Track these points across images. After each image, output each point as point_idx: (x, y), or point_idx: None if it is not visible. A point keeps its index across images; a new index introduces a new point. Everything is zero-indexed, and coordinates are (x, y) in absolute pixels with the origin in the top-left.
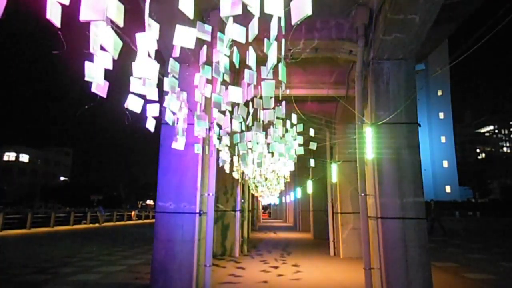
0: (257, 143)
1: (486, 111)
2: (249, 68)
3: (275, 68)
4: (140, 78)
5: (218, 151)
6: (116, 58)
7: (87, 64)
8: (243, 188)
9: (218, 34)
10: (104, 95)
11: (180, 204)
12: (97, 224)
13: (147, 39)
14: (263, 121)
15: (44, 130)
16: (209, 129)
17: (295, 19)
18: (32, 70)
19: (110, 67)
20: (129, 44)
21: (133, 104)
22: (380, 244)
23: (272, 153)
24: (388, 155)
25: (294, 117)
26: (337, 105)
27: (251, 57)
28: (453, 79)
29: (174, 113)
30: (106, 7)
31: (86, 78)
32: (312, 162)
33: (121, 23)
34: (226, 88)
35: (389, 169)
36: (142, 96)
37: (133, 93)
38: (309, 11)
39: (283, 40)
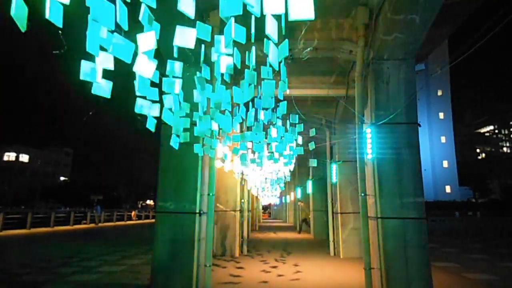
0: (257, 143)
1: (486, 111)
2: (249, 68)
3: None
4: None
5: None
6: (129, 61)
7: (83, 63)
8: (243, 188)
9: (219, 34)
10: (108, 96)
11: (180, 204)
12: (93, 224)
13: (146, 39)
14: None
15: (44, 130)
16: (209, 129)
17: (293, 17)
18: (32, 69)
19: (111, 67)
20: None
21: (143, 108)
22: (380, 244)
23: (272, 153)
24: (388, 155)
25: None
26: (337, 105)
27: (251, 57)
28: (453, 79)
29: (173, 113)
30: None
31: (82, 77)
32: (312, 162)
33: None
34: (227, 88)
35: (389, 169)
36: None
37: (140, 97)
38: (311, 15)
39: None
